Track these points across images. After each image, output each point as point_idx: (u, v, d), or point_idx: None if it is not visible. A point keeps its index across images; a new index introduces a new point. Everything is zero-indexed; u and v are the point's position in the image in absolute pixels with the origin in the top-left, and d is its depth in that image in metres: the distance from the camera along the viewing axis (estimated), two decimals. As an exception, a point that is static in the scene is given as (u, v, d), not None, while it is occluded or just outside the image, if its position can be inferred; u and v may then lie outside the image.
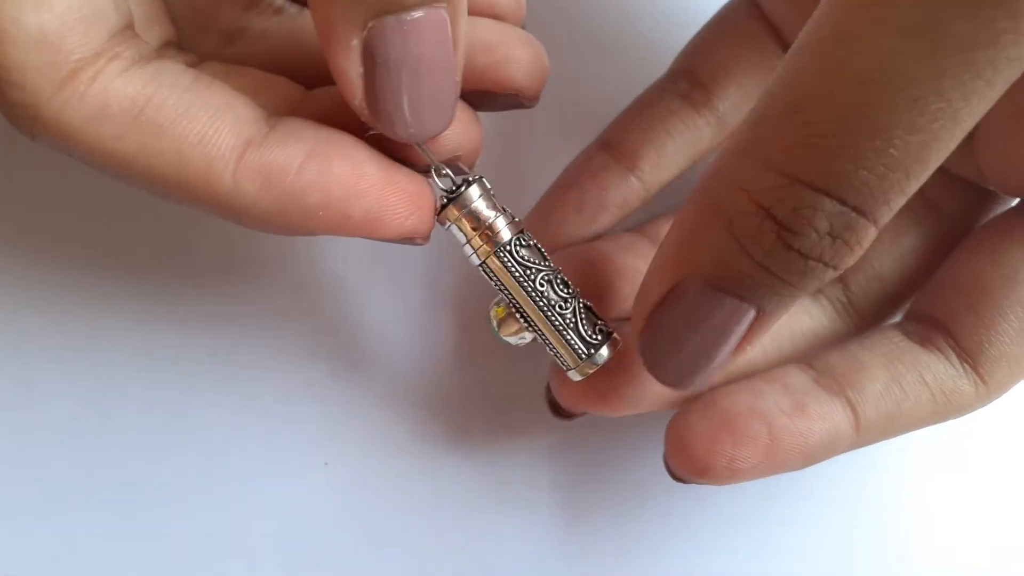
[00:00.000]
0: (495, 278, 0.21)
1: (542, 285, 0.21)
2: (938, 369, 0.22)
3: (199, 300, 0.28)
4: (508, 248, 0.21)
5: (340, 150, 0.19)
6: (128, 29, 0.19)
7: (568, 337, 0.21)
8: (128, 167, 0.19)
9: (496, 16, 0.23)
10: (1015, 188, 0.23)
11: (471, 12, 0.22)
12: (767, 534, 0.29)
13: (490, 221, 0.21)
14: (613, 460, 0.29)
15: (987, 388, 0.22)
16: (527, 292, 0.21)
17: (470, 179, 0.21)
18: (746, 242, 0.17)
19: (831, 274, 0.17)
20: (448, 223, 0.21)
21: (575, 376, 0.22)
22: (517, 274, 0.21)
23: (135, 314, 0.28)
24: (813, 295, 0.25)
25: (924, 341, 0.23)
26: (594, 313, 0.22)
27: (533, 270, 0.21)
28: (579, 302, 0.22)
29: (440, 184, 0.21)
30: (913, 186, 0.16)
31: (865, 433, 0.22)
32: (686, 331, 0.18)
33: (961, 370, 0.22)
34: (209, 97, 0.19)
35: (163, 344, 0.28)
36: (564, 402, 0.24)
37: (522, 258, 0.21)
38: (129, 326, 0.28)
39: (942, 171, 0.24)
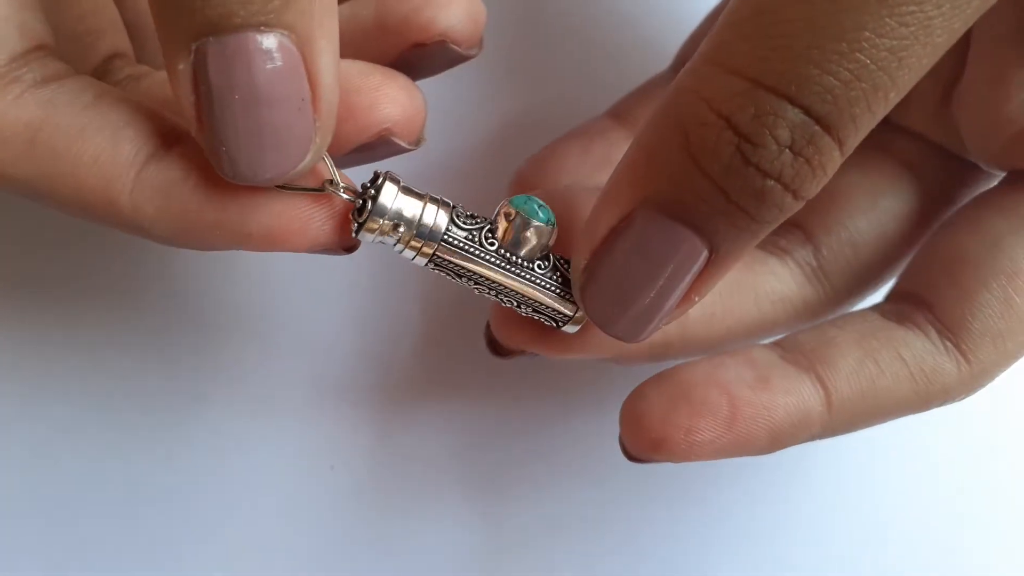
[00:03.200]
0: (451, 268, 0.19)
1: (500, 251, 0.19)
2: (916, 345, 0.21)
3: (203, 303, 0.28)
4: (448, 234, 0.19)
5: None
6: (38, 50, 0.19)
7: (552, 289, 0.19)
8: (31, 191, 0.18)
9: (444, 39, 0.21)
10: (996, 156, 0.22)
11: None
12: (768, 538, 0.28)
13: (417, 218, 0.19)
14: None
15: (971, 367, 0.20)
16: (489, 265, 0.19)
17: (377, 183, 0.19)
18: (703, 157, 0.15)
19: (790, 201, 0.16)
20: (372, 237, 0.19)
21: (572, 329, 0.20)
22: (470, 252, 0.19)
23: (141, 318, 0.28)
24: (780, 255, 0.23)
25: (902, 319, 0.21)
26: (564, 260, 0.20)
27: (480, 239, 0.19)
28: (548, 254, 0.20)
29: (346, 197, 0.19)
30: (881, 105, 0.15)
31: (839, 412, 0.20)
32: (633, 267, 0.17)
33: (942, 347, 0.21)
34: (109, 115, 0.18)
35: (168, 347, 0.28)
36: (504, 340, 0.22)
37: (466, 236, 0.19)
38: (135, 330, 0.28)
39: (921, 139, 0.24)
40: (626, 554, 0.28)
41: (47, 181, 0.18)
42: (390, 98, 0.19)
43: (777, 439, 0.20)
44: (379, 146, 0.20)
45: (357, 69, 0.19)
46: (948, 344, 0.21)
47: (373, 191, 0.18)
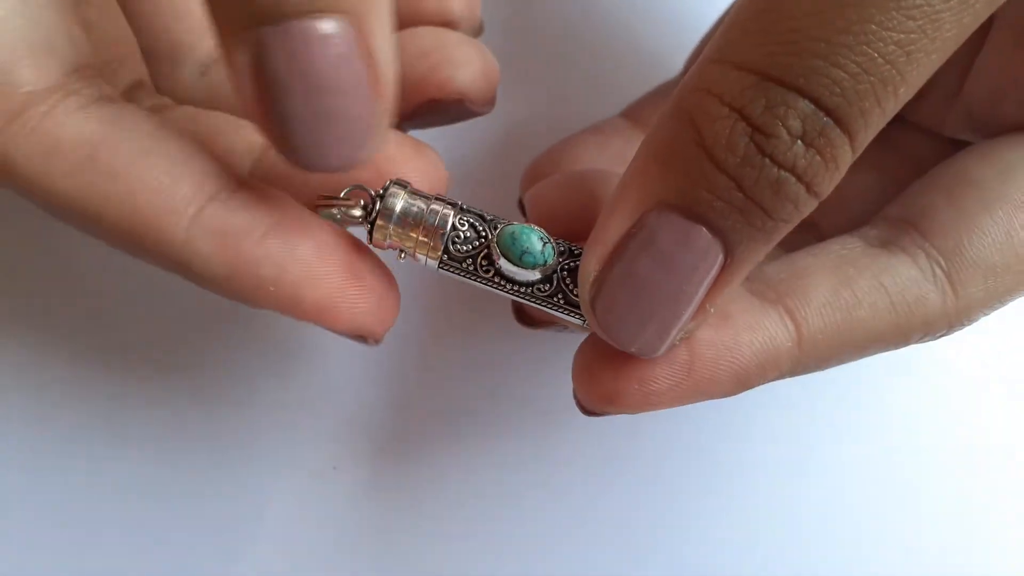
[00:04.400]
0: (459, 274, 0.19)
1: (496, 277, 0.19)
2: (900, 271, 0.19)
3: (206, 304, 0.28)
4: (455, 235, 0.19)
5: (307, 228, 0.18)
6: (87, 68, 0.18)
7: (561, 308, 0.19)
8: (76, 209, 0.17)
9: (446, 26, 0.21)
10: (1015, 117, 0.21)
11: (418, 21, 0.21)
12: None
13: (423, 220, 0.19)
14: (625, 466, 0.28)
15: (956, 300, 0.19)
16: (491, 285, 0.19)
17: (386, 188, 0.19)
18: (717, 150, 0.15)
19: (804, 196, 0.15)
20: (386, 242, 0.19)
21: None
22: (471, 274, 0.19)
23: (143, 318, 0.28)
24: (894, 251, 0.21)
25: (887, 244, 0.20)
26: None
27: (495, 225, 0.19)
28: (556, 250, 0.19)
29: (354, 213, 0.19)
30: (890, 100, 0.15)
31: (810, 348, 0.19)
32: (648, 273, 0.16)
33: (929, 273, 0.19)
34: (170, 146, 0.18)
35: (172, 349, 0.28)
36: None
37: (465, 259, 0.19)
38: (136, 330, 0.28)
39: (932, 134, 0.23)
40: (628, 555, 0.28)
41: (99, 202, 0.17)
42: (464, 60, 0.20)
43: (743, 381, 0.19)
44: (452, 108, 0.21)
45: (421, 33, 0.20)
46: (937, 271, 0.19)
47: (381, 196, 0.19)
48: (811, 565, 0.28)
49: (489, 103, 0.21)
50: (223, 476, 0.27)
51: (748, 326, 0.18)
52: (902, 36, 0.14)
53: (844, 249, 0.20)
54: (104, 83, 0.19)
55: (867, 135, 0.15)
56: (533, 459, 0.28)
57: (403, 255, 0.19)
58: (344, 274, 0.18)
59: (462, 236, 0.19)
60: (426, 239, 0.19)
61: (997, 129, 0.21)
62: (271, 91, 0.16)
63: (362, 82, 0.16)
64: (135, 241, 0.17)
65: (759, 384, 0.19)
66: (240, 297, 0.18)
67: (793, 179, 0.15)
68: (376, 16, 0.16)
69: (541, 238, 0.18)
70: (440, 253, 0.19)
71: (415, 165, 0.20)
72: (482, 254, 0.19)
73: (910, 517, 0.28)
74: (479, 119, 0.23)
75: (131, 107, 0.18)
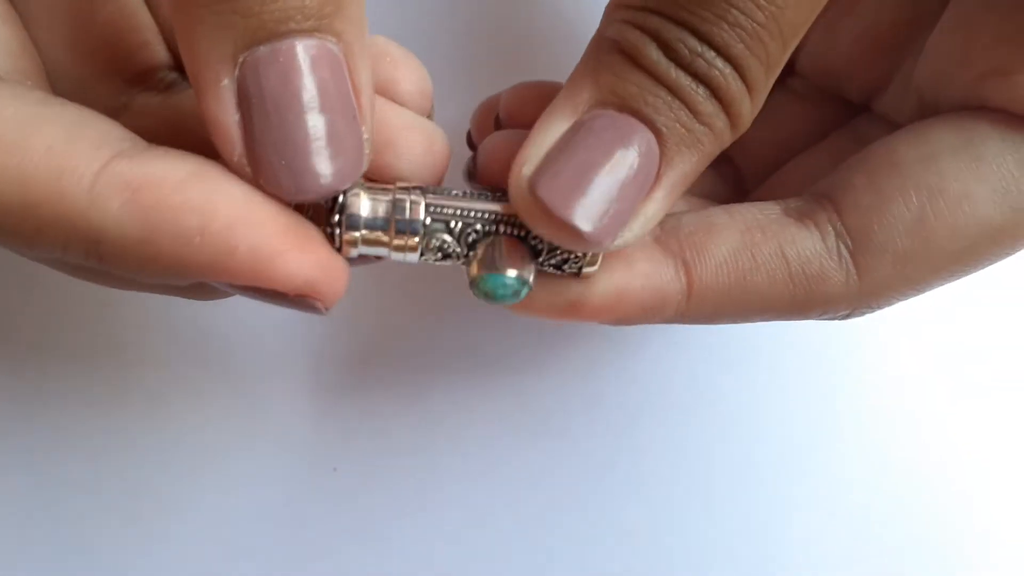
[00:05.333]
0: (445, 254, 0.18)
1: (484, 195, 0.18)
2: (805, 245, 0.19)
3: (207, 305, 0.28)
4: (430, 221, 0.17)
5: (231, 175, 0.16)
6: None
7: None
8: None
9: (395, 101, 0.20)
10: (964, 96, 0.20)
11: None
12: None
13: (394, 216, 0.17)
14: (620, 465, 0.28)
15: (860, 282, 0.19)
16: (482, 199, 0.18)
17: (342, 194, 0.17)
18: (640, 57, 0.16)
19: (719, 78, 0.16)
20: (354, 251, 0.17)
21: (591, 270, 0.19)
22: (461, 211, 0.18)
23: (143, 319, 0.28)
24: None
25: (803, 215, 0.20)
26: None
27: (468, 212, 0.18)
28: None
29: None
30: (778, 37, 0.16)
31: (697, 303, 0.19)
32: (587, 156, 0.16)
33: (835, 251, 0.19)
34: (64, 113, 0.16)
35: (172, 349, 0.28)
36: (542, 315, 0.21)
37: (452, 213, 0.18)
38: (135, 331, 0.28)
39: (889, 121, 0.23)
40: (630, 556, 0.28)
41: None
42: (407, 148, 0.19)
43: (624, 318, 0.19)
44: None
45: (380, 111, 0.19)
46: (843, 250, 0.19)
47: (341, 202, 0.17)
48: (811, 566, 0.28)
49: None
50: (222, 476, 0.28)
51: (644, 273, 0.19)
52: None
53: (760, 214, 0.20)
54: None
55: (756, 68, 0.16)
56: (534, 459, 0.28)
57: (369, 259, 0.18)
58: (284, 218, 0.16)
59: (441, 228, 0.18)
60: (401, 241, 0.17)
61: (955, 100, 0.21)
62: (261, 113, 0.15)
63: (351, 103, 0.16)
64: (34, 220, 0.15)
65: (640, 324, 0.20)
66: (160, 266, 0.15)
67: (702, 85, 0.16)
68: (362, 44, 0.16)
69: (515, 284, 0.18)
70: (419, 250, 0.18)
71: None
72: (465, 238, 0.18)
73: (911, 518, 0.28)
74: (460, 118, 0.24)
75: (11, 84, 0.16)
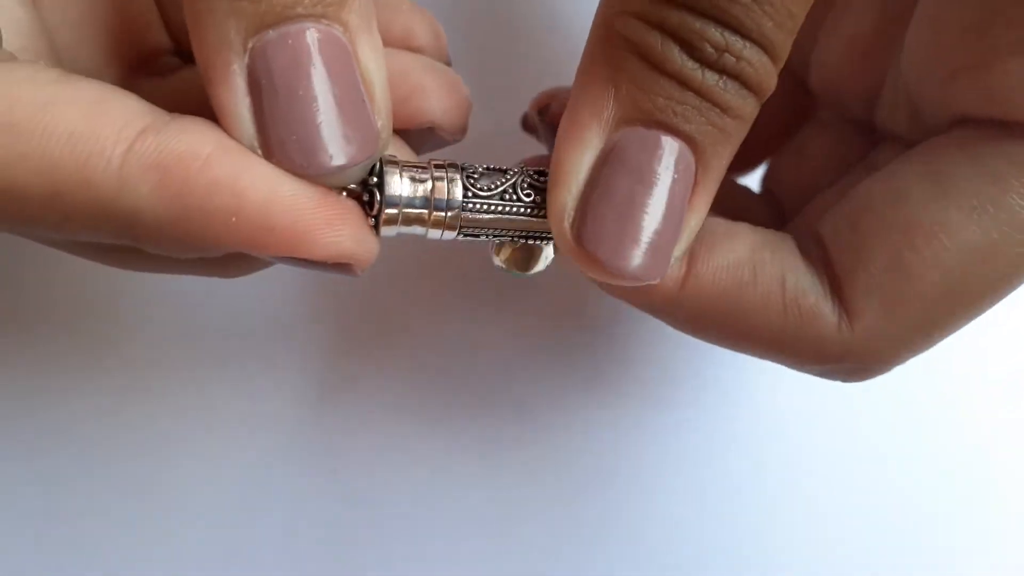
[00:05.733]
0: (481, 232, 0.18)
1: (527, 196, 0.18)
2: (804, 279, 0.19)
3: (207, 305, 0.28)
4: (469, 199, 0.17)
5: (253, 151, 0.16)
6: None
7: None
8: None
9: (413, 51, 0.21)
10: (938, 105, 0.20)
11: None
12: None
13: (430, 194, 0.17)
14: (622, 465, 0.28)
15: (853, 329, 0.18)
16: (522, 214, 0.18)
17: (377, 171, 0.17)
18: (661, 61, 0.15)
19: (747, 94, 0.16)
20: (395, 231, 0.17)
21: None
22: (499, 209, 0.17)
23: (141, 319, 0.28)
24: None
25: (806, 252, 0.19)
26: None
27: (508, 193, 0.18)
28: None
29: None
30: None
31: (689, 296, 0.19)
32: (627, 190, 0.16)
33: (828, 293, 0.19)
34: (82, 92, 0.15)
35: (171, 347, 0.28)
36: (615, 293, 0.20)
37: (489, 193, 0.18)
38: (134, 331, 0.28)
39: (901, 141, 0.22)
40: (631, 557, 0.28)
41: (6, 169, 0.15)
42: (435, 88, 0.19)
43: (607, 288, 0.19)
44: (422, 137, 0.20)
45: (397, 59, 0.19)
46: (832, 293, 0.19)
47: (376, 180, 0.17)
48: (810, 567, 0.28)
49: (460, 131, 0.21)
50: (222, 477, 0.28)
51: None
52: None
53: (774, 238, 0.20)
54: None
55: (763, 19, 0.15)
56: (534, 459, 0.28)
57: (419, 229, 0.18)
58: (315, 192, 0.16)
59: (479, 201, 0.17)
60: (440, 216, 0.17)
61: (932, 109, 0.20)
62: (272, 96, 0.15)
63: (360, 87, 0.16)
64: (62, 208, 0.15)
65: (619, 299, 0.20)
66: (196, 247, 0.16)
67: (732, 79, 0.16)
68: (368, 32, 0.16)
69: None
70: (457, 228, 0.17)
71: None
72: (505, 188, 0.18)
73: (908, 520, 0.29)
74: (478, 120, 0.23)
75: (24, 63, 0.16)
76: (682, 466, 0.28)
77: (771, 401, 0.29)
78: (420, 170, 0.17)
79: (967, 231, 0.18)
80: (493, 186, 0.17)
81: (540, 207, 0.18)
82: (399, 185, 0.17)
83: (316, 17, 0.15)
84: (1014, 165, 0.17)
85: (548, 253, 0.19)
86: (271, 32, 0.15)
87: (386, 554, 0.28)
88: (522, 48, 0.30)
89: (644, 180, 0.16)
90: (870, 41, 0.22)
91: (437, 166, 0.17)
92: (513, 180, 0.18)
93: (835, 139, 0.24)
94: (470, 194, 0.17)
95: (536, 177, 0.18)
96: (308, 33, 0.15)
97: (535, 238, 0.18)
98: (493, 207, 0.17)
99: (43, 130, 0.15)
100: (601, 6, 0.16)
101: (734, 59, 0.15)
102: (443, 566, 0.28)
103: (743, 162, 0.26)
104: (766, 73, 0.16)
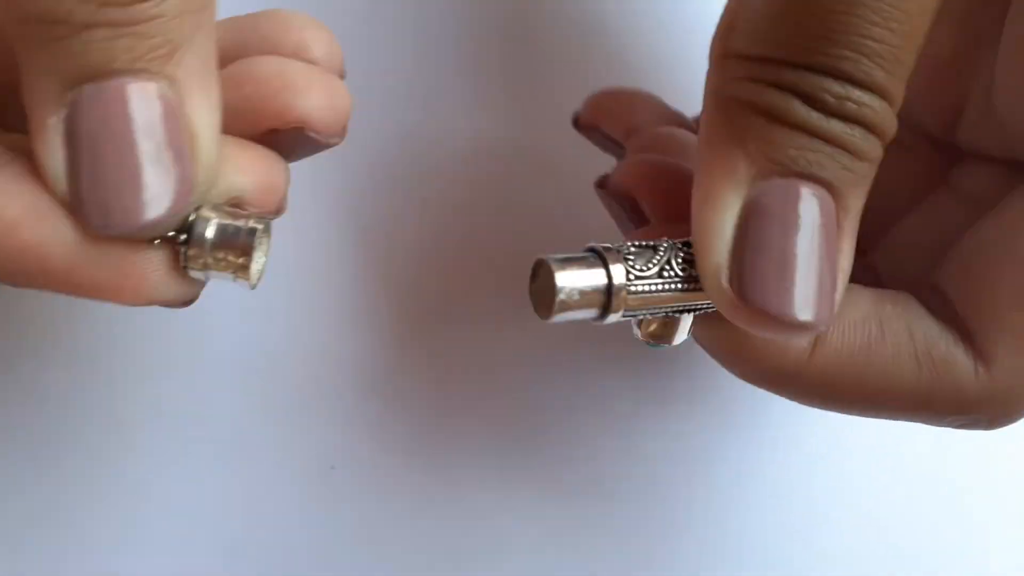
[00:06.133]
0: (641, 312, 0.18)
1: (683, 271, 0.18)
2: (931, 328, 0.19)
3: (201, 303, 0.28)
4: (632, 281, 0.18)
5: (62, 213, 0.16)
6: None
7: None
8: None
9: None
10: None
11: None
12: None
13: (596, 281, 0.17)
14: (624, 467, 0.28)
15: (990, 371, 0.18)
16: (678, 290, 0.18)
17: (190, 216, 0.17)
18: (789, 116, 0.16)
19: (872, 138, 0.16)
20: (202, 274, 0.18)
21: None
22: (658, 288, 0.18)
23: (138, 316, 0.28)
24: None
25: (925, 302, 0.19)
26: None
27: (665, 270, 0.18)
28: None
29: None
30: (901, 64, 0.16)
31: (820, 362, 0.18)
32: (778, 242, 0.16)
33: (958, 340, 0.18)
34: None
35: (170, 347, 0.28)
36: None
37: (648, 272, 0.18)
38: (132, 330, 0.28)
39: (980, 159, 0.22)
40: (633, 558, 0.28)
41: None
42: (306, 85, 0.19)
43: (742, 359, 0.19)
44: (295, 140, 0.19)
45: (273, 62, 0.19)
46: (962, 340, 0.18)
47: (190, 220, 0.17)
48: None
49: (338, 134, 0.20)
50: (221, 476, 0.27)
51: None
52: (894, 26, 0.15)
53: (892, 292, 0.20)
54: None
55: (883, 74, 0.16)
56: (535, 459, 0.28)
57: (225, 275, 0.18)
58: (113, 254, 0.16)
59: (641, 282, 0.18)
60: (604, 298, 0.17)
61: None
62: (80, 152, 0.15)
63: (178, 147, 0.16)
64: None
65: (758, 378, 0.19)
66: (30, 287, 0.17)
67: (854, 124, 0.16)
68: (200, 89, 0.16)
69: None
70: (621, 310, 0.18)
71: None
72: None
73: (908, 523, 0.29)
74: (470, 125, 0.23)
75: None
76: (692, 469, 0.28)
77: (780, 402, 0.29)
78: (235, 217, 0.17)
79: None
80: (649, 265, 0.18)
81: (694, 279, 0.18)
82: (206, 227, 0.17)
83: (135, 72, 0.15)
84: None
85: (687, 323, 0.19)
86: (88, 87, 0.15)
87: (384, 554, 0.28)
88: (547, 51, 0.30)
89: (793, 227, 0.16)
90: (950, 63, 0.22)
91: (590, 250, 0.18)
92: (667, 256, 0.18)
93: (912, 158, 0.24)
94: (632, 276, 0.17)
95: (687, 250, 0.18)
96: (124, 88, 0.15)
97: (684, 311, 0.18)
98: (653, 286, 0.18)
99: None
100: (712, 77, 0.17)
101: (855, 106, 0.16)
102: (444, 567, 0.28)
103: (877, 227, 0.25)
104: (887, 115, 0.16)
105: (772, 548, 0.28)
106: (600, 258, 0.17)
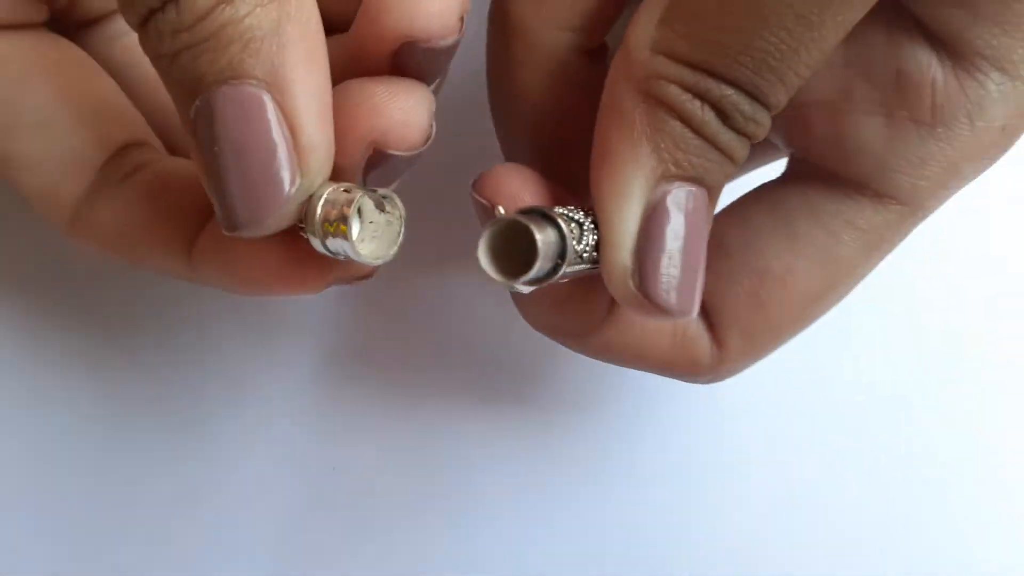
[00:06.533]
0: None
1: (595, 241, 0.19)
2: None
3: (202, 303, 0.29)
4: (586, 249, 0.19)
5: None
6: None
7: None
8: None
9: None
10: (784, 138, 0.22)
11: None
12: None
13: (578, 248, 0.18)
14: (624, 465, 0.29)
15: (720, 355, 0.22)
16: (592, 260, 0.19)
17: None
18: (701, 126, 0.17)
19: (747, 145, 0.18)
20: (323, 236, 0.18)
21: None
22: (590, 258, 0.19)
23: (140, 317, 0.29)
24: None
25: None
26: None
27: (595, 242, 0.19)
28: None
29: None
30: (792, 77, 0.17)
31: (607, 334, 0.22)
32: (682, 243, 0.18)
33: (705, 326, 0.22)
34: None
35: (167, 348, 0.28)
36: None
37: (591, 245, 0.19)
38: (134, 330, 0.28)
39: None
40: (633, 557, 0.29)
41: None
42: (374, 108, 0.19)
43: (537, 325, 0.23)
44: (383, 164, 0.19)
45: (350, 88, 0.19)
46: (708, 328, 0.22)
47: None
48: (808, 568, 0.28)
49: (418, 145, 0.20)
50: (222, 477, 0.28)
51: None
52: (783, 33, 0.17)
53: None
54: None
55: (784, 99, 0.18)
56: (535, 460, 0.29)
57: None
58: (271, 259, 0.19)
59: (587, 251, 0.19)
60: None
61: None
62: (202, 156, 0.17)
63: (275, 144, 0.17)
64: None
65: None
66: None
67: (744, 138, 0.18)
68: (294, 79, 0.17)
69: None
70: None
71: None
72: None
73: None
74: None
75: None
76: (691, 466, 0.29)
77: (778, 401, 0.29)
78: (347, 191, 0.18)
79: (810, 277, 0.21)
80: (583, 235, 0.18)
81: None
82: (317, 203, 0.17)
83: (225, 81, 0.16)
84: (848, 224, 0.21)
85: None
86: (196, 103, 0.17)
87: (385, 554, 0.28)
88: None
89: (693, 231, 0.18)
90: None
91: (538, 213, 0.18)
92: (591, 231, 0.19)
93: None
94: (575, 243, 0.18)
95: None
96: (218, 97, 0.16)
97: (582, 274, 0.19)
98: (584, 255, 0.18)
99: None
100: (636, 67, 0.18)
101: (755, 125, 0.18)
102: (445, 567, 0.28)
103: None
104: (768, 126, 0.18)
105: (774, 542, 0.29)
106: (554, 223, 0.18)
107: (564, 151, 0.22)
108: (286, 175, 0.17)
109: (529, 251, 0.17)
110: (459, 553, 0.28)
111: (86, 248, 0.22)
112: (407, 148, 0.19)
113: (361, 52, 0.19)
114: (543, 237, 0.17)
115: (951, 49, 0.19)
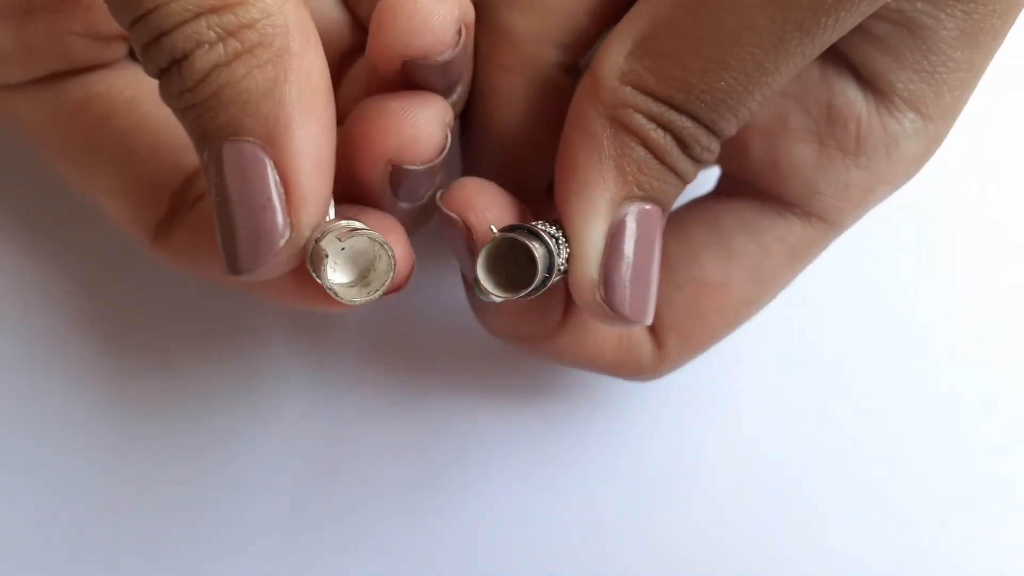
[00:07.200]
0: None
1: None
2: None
3: (205, 303, 0.28)
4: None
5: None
6: None
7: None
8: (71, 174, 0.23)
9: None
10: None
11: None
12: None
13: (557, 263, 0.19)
14: (625, 468, 0.29)
15: (660, 356, 0.23)
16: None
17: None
18: (663, 154, 0.19)
19: (697, 169, 0.20)
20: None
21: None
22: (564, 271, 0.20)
23: (143, 317, 0.28)
24: None
25: None
26: None
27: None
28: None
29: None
30: (745, 111, 0.19)
31: (560, 340, 0.23)
32: (642, 260, 0.19)
33: (647, 332, 0.23)
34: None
35: (171, 348, 0.28)
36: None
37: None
38: (135, 330, 0.28)
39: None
40: (634, 559, 0.28)
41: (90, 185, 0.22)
42: (386, 127, 0.19)
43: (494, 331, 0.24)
44: (405, 179, 0.20)
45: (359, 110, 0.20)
46: (651, 333, 0.23)
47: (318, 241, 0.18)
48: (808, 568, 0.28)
49: (434, 157, 0.20)
50: (222, 479, 0.28)
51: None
52: (742, 76, 0.18)
53: None
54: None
55: (735, 130, 0.19)
56: (535, 461, 0.28)
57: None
58: (282, 289, 0.20)
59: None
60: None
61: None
62: (210, 195, 0.18)
63: (267, 197, 0.17)
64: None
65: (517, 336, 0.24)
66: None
67: (697, 163, 0.20)
68: (289, 133, 0.17)
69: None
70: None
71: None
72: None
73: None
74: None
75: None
76: (691, 467, 0.29)
77: (778, 401, 0.29)
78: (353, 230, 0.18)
79: (744, 287, 0.23)
80: (560, 249, 0.20)
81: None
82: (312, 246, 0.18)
83: (225, 137, 0.17)
84: (779, 240, 0.23)
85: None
86: (203, 152, 0.18)
87: (386, 557, 0.28)
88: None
89: (650, 247, 0.20)
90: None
91: (526, 231, 0.19)
92: (562, 244, 0.20)
93: None
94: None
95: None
96: (216, 151, 0.17)
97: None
98: (561, 269, 0.20)
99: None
100: (602, 91, 0.19)
101: (709, 154, 0.19)
102: (445, 569, 0.28)
103: None
104: (717, 154, 0.20)
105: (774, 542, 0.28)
106: (541, 239, 0.19)
107: (524, 159, 0.23)
108: (278, 228, 0.17)
109: (526, 267, 0.19)
110: (459, 553, 0.28)
111: (168, 265, 0.23)
112: (421, 162, 0.19)
113: (375, 70, 0.20)
114: (540, 253, 0.19)
115: (876, 89, 0.21)
